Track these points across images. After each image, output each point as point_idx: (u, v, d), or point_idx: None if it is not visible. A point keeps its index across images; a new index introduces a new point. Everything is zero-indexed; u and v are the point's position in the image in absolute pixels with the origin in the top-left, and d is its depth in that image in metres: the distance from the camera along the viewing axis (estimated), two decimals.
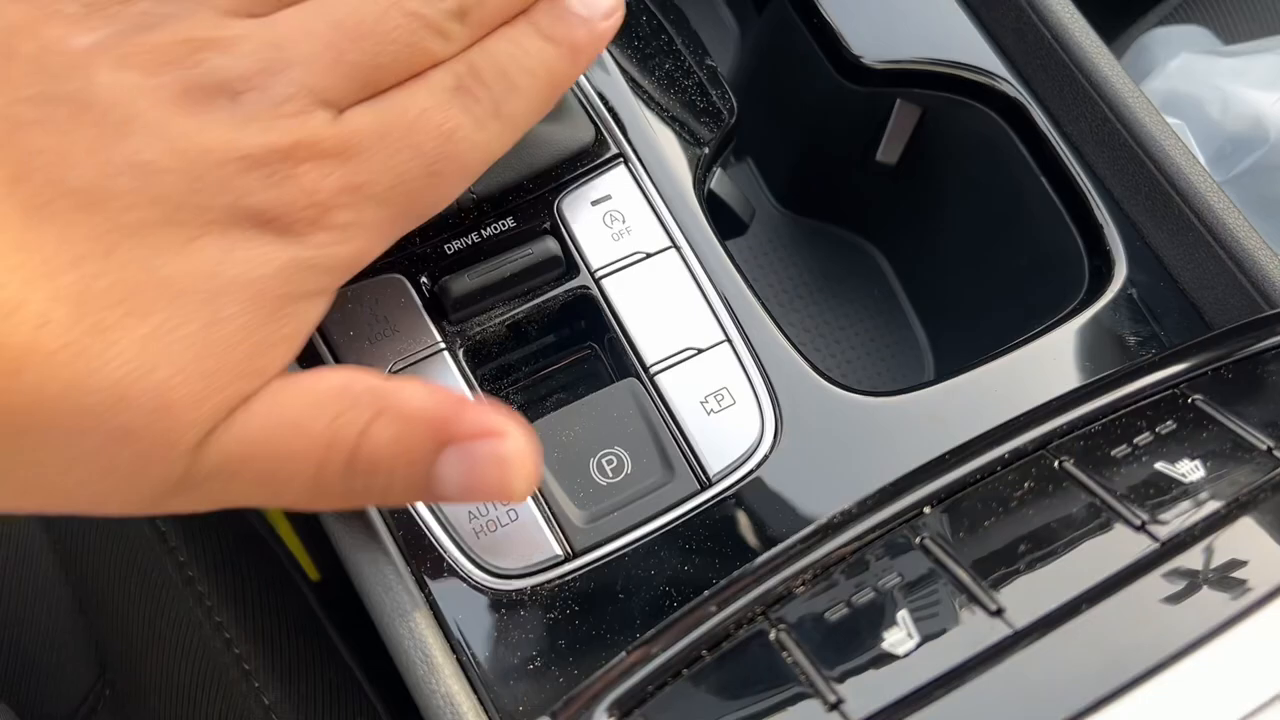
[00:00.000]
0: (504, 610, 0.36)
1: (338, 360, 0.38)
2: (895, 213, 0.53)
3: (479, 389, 0.39)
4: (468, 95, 0.32)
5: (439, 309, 0.39)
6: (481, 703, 0.34)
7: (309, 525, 0.52)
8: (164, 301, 0.28)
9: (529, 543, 0.37)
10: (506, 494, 0.30)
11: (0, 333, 0.25)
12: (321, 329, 0.38)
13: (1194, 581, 0.30)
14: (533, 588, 0.36)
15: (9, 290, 0.26)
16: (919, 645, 0.29)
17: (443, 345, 0.39)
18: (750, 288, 0.41)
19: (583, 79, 0.43)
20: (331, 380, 0.31)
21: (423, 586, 0.36)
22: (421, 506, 0.37)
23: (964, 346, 0.53)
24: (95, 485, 0.28)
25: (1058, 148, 0.45)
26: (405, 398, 0.31)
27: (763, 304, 0.41)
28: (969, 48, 0.47)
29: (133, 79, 0.28)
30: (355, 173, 0.30)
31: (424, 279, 0.39)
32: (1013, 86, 0.46)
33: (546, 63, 0.34)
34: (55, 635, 0.44)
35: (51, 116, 0.27)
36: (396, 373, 0.38)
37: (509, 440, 0.30)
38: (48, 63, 0.28)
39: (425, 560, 0.36)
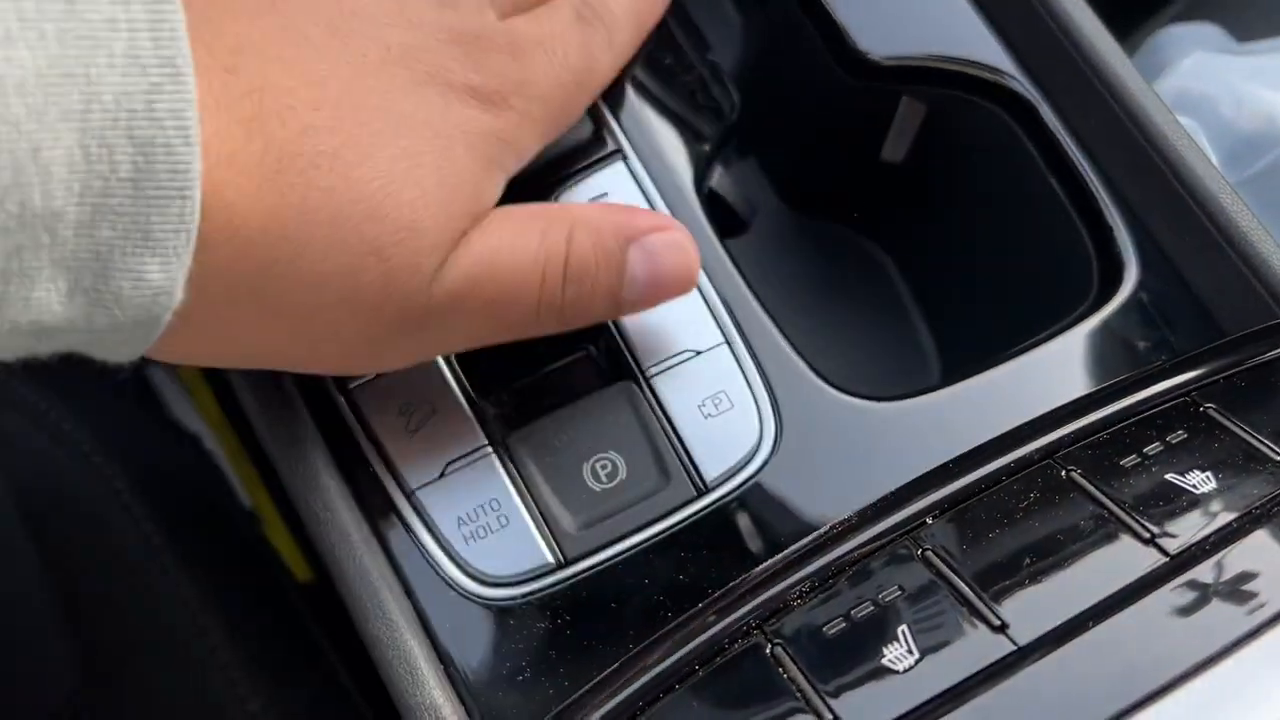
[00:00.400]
0: (493, 619, 0.35)
1: None
2: (901, 211, 0.52)
3: (470, 390, 0.38)
4: (587, 25, 0.36)
5: None
6: (469, 714, 0.33)
7: (297, 529, 0.51)
8: (405, 130, 0.30)
9: (519, 550, 0.36)
10: (686, 276, 0.36)
11: (269, 129, 0.27)
12: None
13: (1205, 596, 0.29)
14: (523, 596, 0.35)
15: (275, 95, 0.27)
16: (919, 661, 0.28)
17: None
18: (750, 288, 0.41)
19: None
20: (529, 208, 0.35)
21: (409, 594, 0.35)
22: (407, 510, 0.36)
23: (970, 348, 0.52)
24: (336, 312, 0.30)
25: (1067, 147, 0.44)
26: (589, 211, 0.36)
27: (763, 305, 0.40)
28: (977, 44, 0.46)
29: None
30: (524, 69, 0.33)
31: None
32: (1022, 84, 0.45)
33: (637, 6, 0.39)
34: (33, 640, 0.43)
35: None
36: (384, 374, 0.37)
37: (677, 230, 0.36)
38: None
39: (412, 567, 0.35)
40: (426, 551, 0.35)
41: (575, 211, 0.35)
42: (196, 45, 0.25)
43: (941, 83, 0.46)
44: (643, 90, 0.43)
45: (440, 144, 0.31)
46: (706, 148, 0.43)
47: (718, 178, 0.44)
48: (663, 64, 0.45)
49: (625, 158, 0.41)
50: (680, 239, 0.36)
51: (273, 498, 0.65)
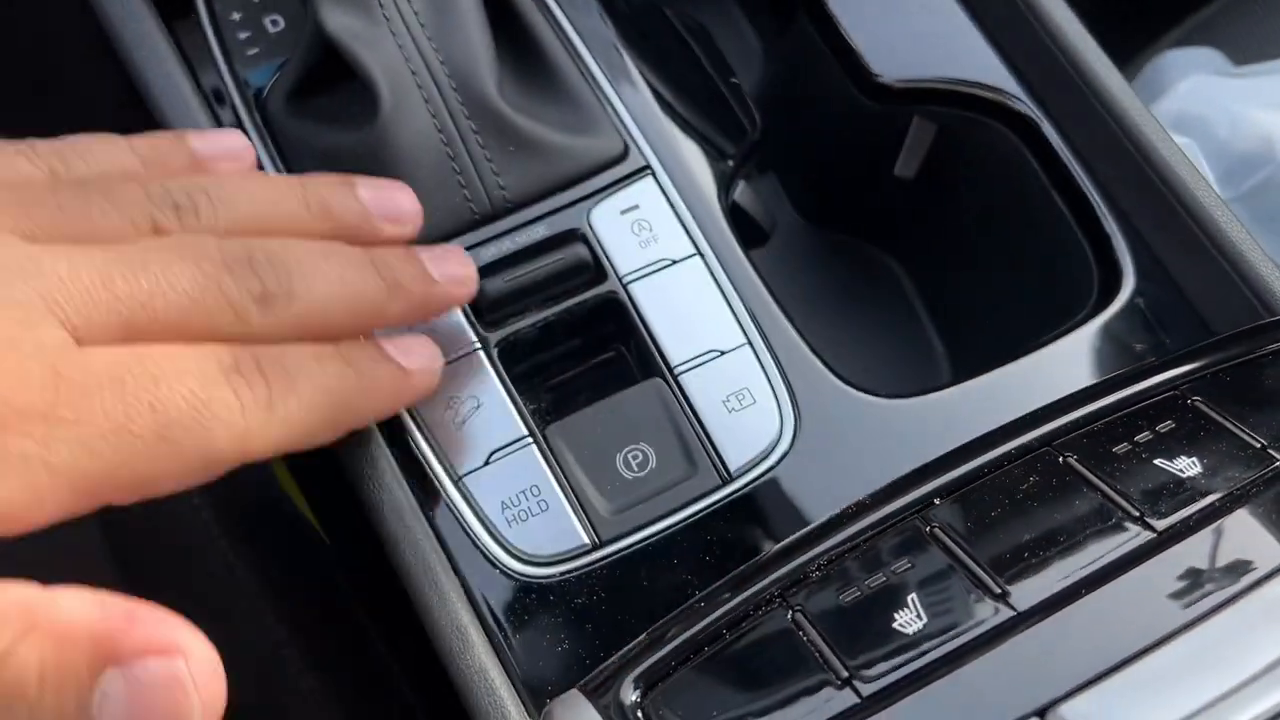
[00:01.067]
0: (534, 595, 0.38)
1: None
2: (913, 224, 0.55)
3: (513, 386, 0.41)
4: (240, 379, 0.31)
5: (475, 311, 0.41)
6: (511, 679, 0.36)
7: (320, 498, 0.53)
8: None
9: (558, 532, 0.39)
10: None
11: None
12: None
13: (1188, 568, 0.31)
14: (561, 574, 0.38)
15: None
16: (927, 625, 0.31)
17: (478, 345, 0.41)
18: (771, 293, 0.43)
19: (613, 94, 0.45)
20: None
21: (457, 571, 0.38)
22: (455, 494, 0.39)
23: (979, 353, 0.54)
24: None
25: (1069, 163, 0.47)
26: (60, 610, 0.25)
27: (783, 309, 0.43)
28: (985, 67, 0.48)
29: None
30: (64, 406, 0.27)
31: None
32: (1026, 104, 0.48)
33: (342, 386, 0.33)
34: None
35: None
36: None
37: (185, 659, 0.25)
38: None
39: (459, 546, 0.38)
40: (473, 532, 0.38)
41: (42, 612, 0.25)
42: None
43: (951, 103, 0.49)
44: (669, 109, 0.46)
45: None
46: (730, 164, 0.46)
47: (740, 192, 0.47)
48: (689, 86, 0.48)
49: (654, 173, 0.44)
50: (181, 673, 0.25)
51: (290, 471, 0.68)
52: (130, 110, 0.44)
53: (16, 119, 0.78)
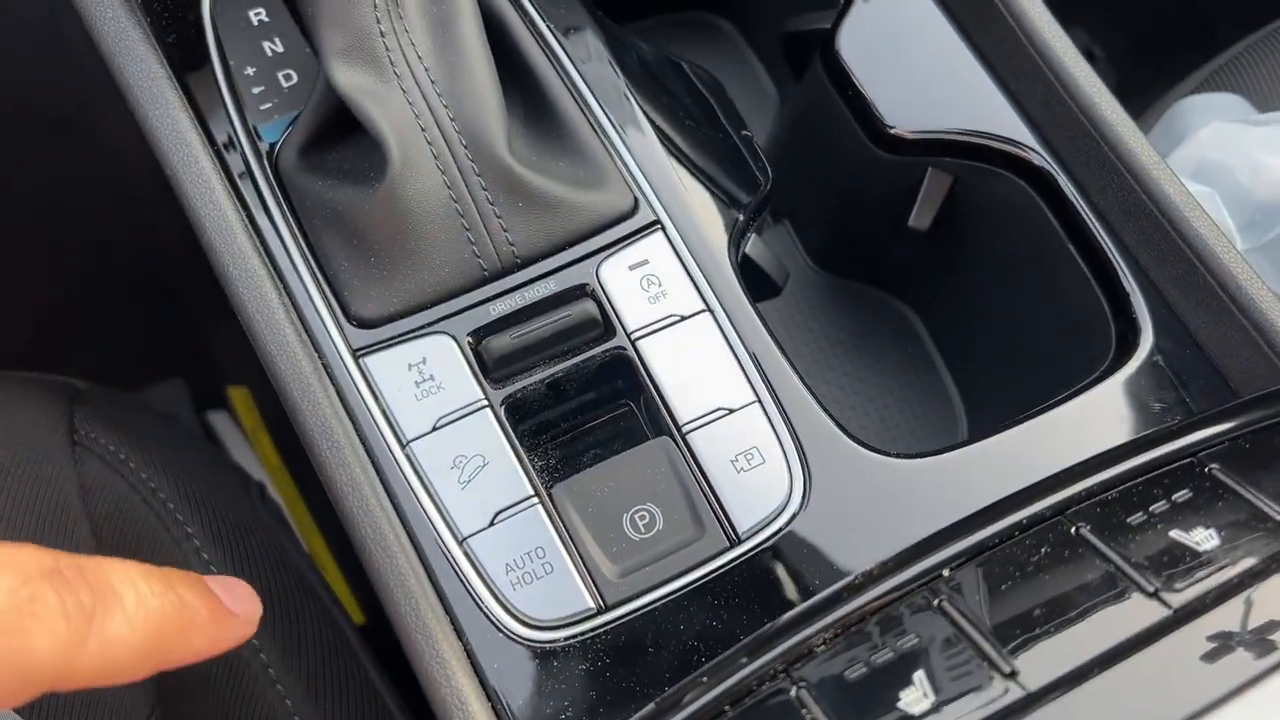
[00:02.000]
0: (538, 660, 0.37)
1: (387, 412, 0.40)
2: (928, 275, 0.55)
3: (519, 444, 0.40)
4: (64, 582, 0.29)
5: (482, 367, 0.41)
6: None
7: (356, 570, 0.54)
8: None
9: (563, 595, 0.38)
10: None
11: None
12: (372, 387, 0.40)
13: (1205, 648, 0.30)
14: (565, 639, 0.38)
15: None
16: (934, 706, 0.30)
17: (485, 402, 0.41)
18: (781, 350, 0.43)
19: (622, 147, 0.45)
20: None
21: (460, 635, 0.37)
22: (459, 556, 0.38)
23: (996, 406, 0.54)
24: None
25: (1085, 216, 0.46)
26: None
27: (793, 366, 0.43)
28: (999, 119, 0.48)
29: None
30: None
31: (469, 339, 0.41)
32: (1042, 157, 0.47)
33: (164, 612, 0.31)
34: None
35: None
36: (441, 427, 0.40)
37: None
38: None
39: (463, 609, 0.38)
40: (476, 595, 0.38)
41: None
42: None
43: (965, 155, 0.49)
44: (680, 163, 0.46)
45: None
46: (741, 217, 0.46)
47: (752, 245, 0.47)
48: (700, 138, 0.47)
49: (663, 228, 0.44)
50: None
51: (328, 544, 0.68)
52: (147, 149, 0.44)
53: (39, 159, 0.79)
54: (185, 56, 0.46)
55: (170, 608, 0.31)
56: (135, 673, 0.30)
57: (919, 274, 0.55)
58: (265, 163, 0.44)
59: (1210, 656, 0.30)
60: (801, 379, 0.42)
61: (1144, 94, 0.68)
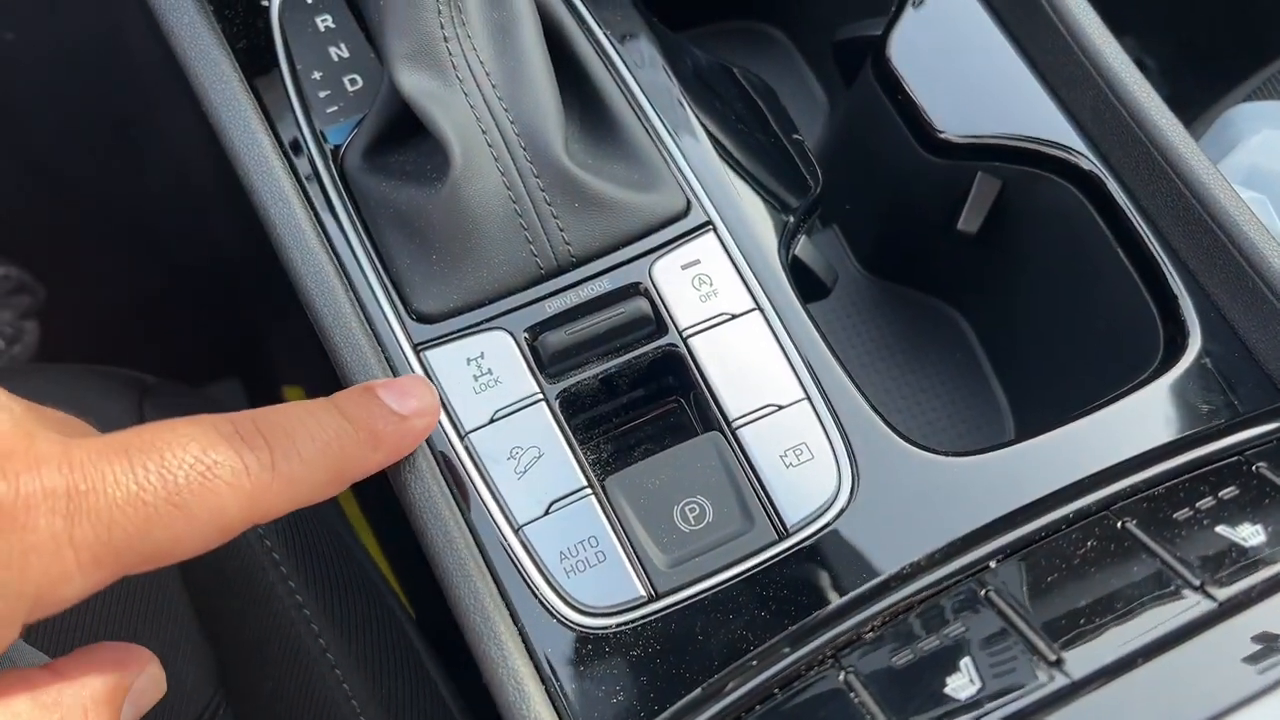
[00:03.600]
0: (590, 646, 0.38)
1: (446, 404, 0.41)
2: (976, 279, 0.55)
3: (573, 437, 0.41)
4: (241, 442, 0.31)
5: (538, 362, 0.42)
6: None
7: (404, 568, 0.55)
8: None
9: (615, 583, 0.39)
10: None
11: None
12: (432, 379, 0.41)
13: (1251, 640, 0.31)
14: (617, 625, 0.39)
15: None
16: (980, 691, 0.31)
17: (540, 396, 0.42)
18: (830, 349, 0.44)
19: (675, 150, 0.46)
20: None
21: (515, 620, 0.38)
22: (515, 544, 0.39)
23: (1044, 409, 0.54)
24: None
25: (1134, 221, 0.46)
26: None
27: (842, 364, 0.43)
28: (1048, 124, 0.49)
29: None
30: (80, 478, 0.28)
31: (525, 334, 0.42)
32: (1091, 161, 0.48)
33: (340, 438, 0.34)
34: (177, 644, 0.47)
35: None
36: (498, 420, 0.41)
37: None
38: None
39: (519, 595, 0.39)
40: (532, 582, 0.39)
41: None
42: None
43: (1015, 160, 0.49)
44: (732, 166, 0.47)
45: None
46: (791, 219, 0.47)
47: (801, 246, 0.48)
48: (752, 142, 0.48)
49: (715, 229, 0.45)
50: None
51: (379, 541, 0.70)
52: (209, 152, 0.46)
53: (102, 162, 0.81)
54: (254, 61, 0.48)
55: (342, 435, 0.34)
56: (323, 497, 0.34)
57: (967, 278, 0.55)
58: (331, 164, 0.46)
59: (1255, 649, 0.31)
60: (850, 377, 0.43)
61: (1195, 104, 0.68)
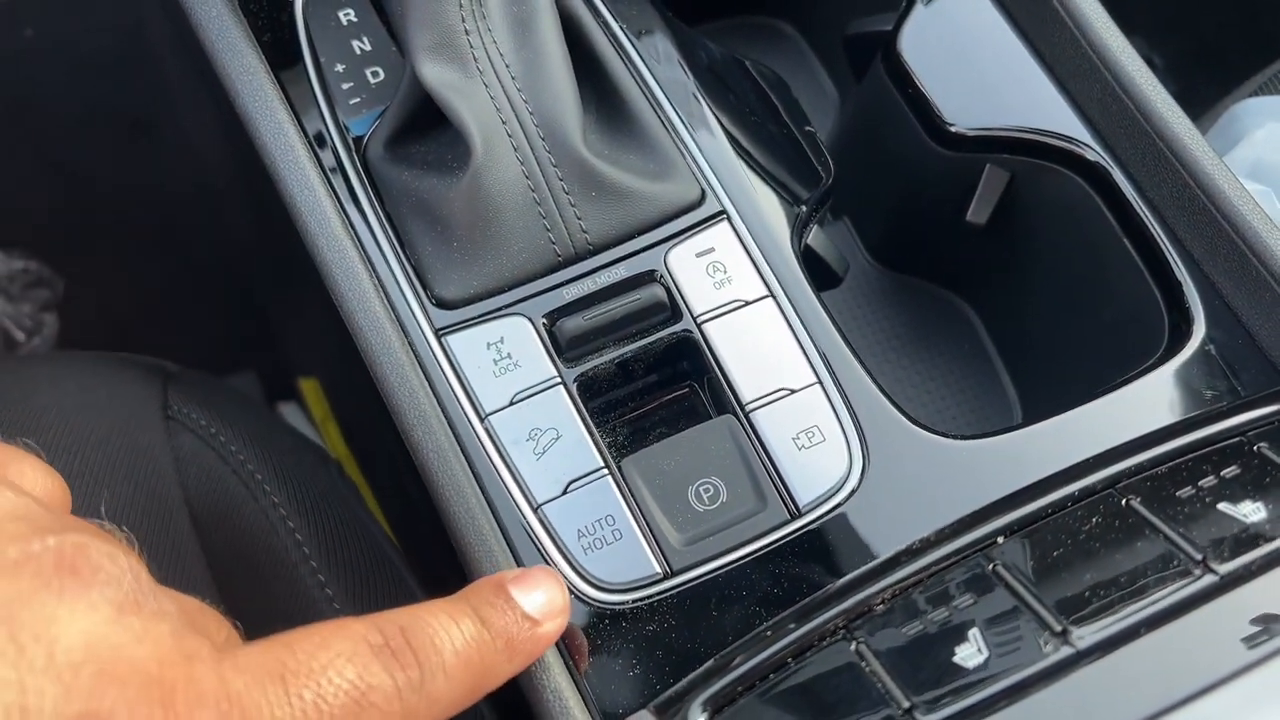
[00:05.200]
0: (607, 621, 0.39)
1: (467, 387, 0.42)
2: (985, 269, 0.56)
3: (590, 420, 0.43)
4: (392, 660, 0.30)
5: (556, 346, 0.43)
6: (585, 700, 0.37)
7: (418, 553, 0.56)
8: None
9: (632, 560, 0.40)
10: None
11: None
12: (453, 363, 0.43)
13: (1251, 613, 0.32)
14: (634, 601, 0.40)
15: None
16: (987, 660, 0.32)
17: (558, 380, 0.43)
18: (842, 334, 0.45)
19: (690, 141, 0.47)
20: None
21: None
22: (534, 522, 0.41)
23: (1051, 397, 0.55)
24: None
25: (1140, 211, 0.47)
26: None
27: (853, 350, 0.44)
28: (1056, 117, 0.49)
29: (4, 560, 0.26)
30: (238, 715, 0.27)
31: (544, 320, 0.43)
32: (1097, 153, 0.48)
33: (480, 650, 0.33)
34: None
35: None
36: (517, 402, 0.42)
37: None
38: None
39: None
40: (550, 558, 0.40)
41: None
42: None
43: (1023, 152, 0.50)
44: (745, 157, 0.48)
45: None
46: (803, 209, 0.48)
47: (814, 236, 0.49)
48: (765, 133, 0.49)
49: (729, 218, 0.46)
50: None
51: (391, 528, 0.70)
52: (226, 147, 0.47)
53: (120, 156, 0.82)
54: (279, 54, 0.49)
55: (482, 647, 0.33)
56: (455, 713, 0.33)
57: (975, 269, 0.56)
58: (354, 154, 0.47)
59: (1255, 620, 0.32)
60: (861, 362, 0.44)
61: (1202, 100, 0.69)
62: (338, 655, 0.29)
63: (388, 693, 0.29)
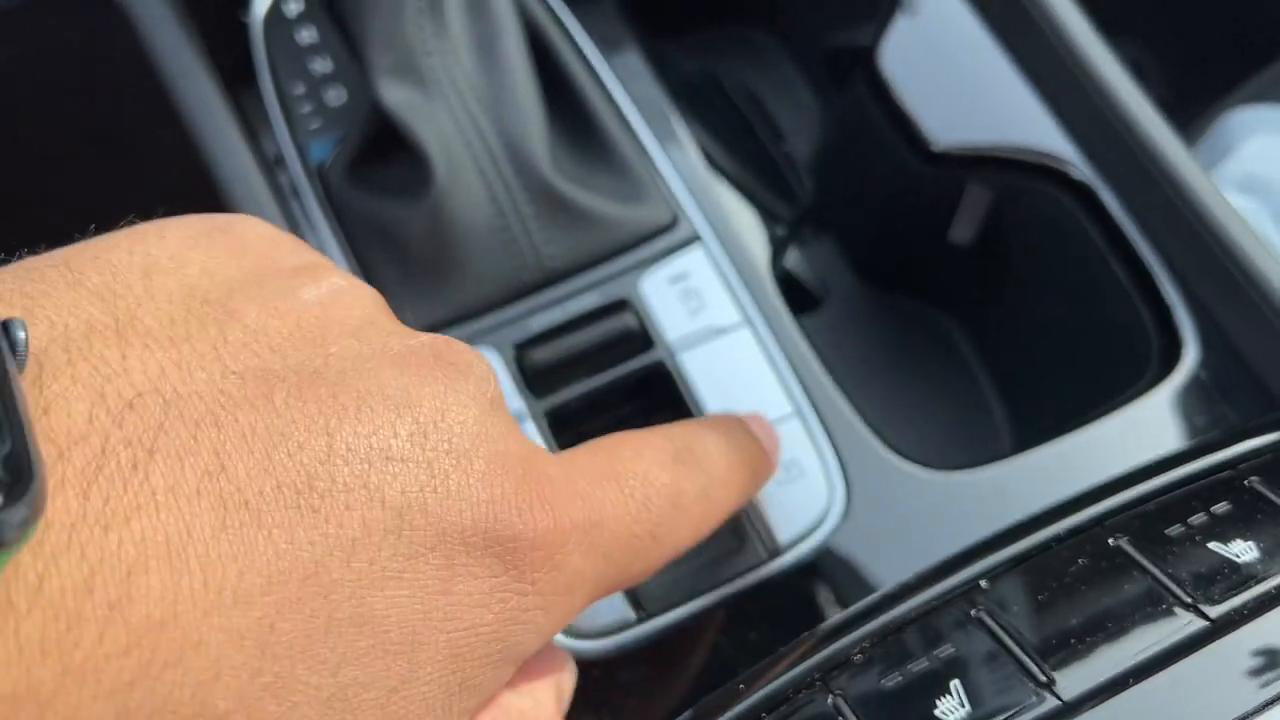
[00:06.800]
0: (579, 669, 0.38)
1: None
2: (972, 288, 0.55)
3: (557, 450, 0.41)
4: (683, 467, 0.31)
5: (524, 378, 0.42)
6: None
7: None
8: (359, 650, 0.22)
9: (604, 603, 0.39)
10: None
11: (168, 682, 0.19)
12: None
13: (1243, 659, 0.30)
14: (607, 648, 0.38)
15: (185, 624, 0.20)
16: (969, 714, 0.30)
17: (528, 413, 0.41)
18: (821, 363, 0.43)
19: (662, 162, 0.46)
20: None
21: None
22: None
23: (1040, 418, 0.53)
24: None
25: (1128, 231, 0.46)
26: None
27: (833, 378, 0.43)
28: (1041, 133, 0.48)
29: (387, 353, 0.25)
30: (590, 512, 0.27)
31: (511, 350, 0.42)
32: (1084, 172, 0.47)
33: (742, 468, 0.34)
34: None
35: (265, 392, 0.23)
36: None
37: None
38: (270, 327, 0.25)
39: None
40: None
41: None
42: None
43: (1007, 169, 0.49)
44: (720, 177, 0.46)
45: (405, 661, 0.23)
46: (781, 231, 0.46)
47: (793, 258, 0.47)
48: (741, 154, 0.48)
49: (703, 242, 0.44)
50: None
51: None
52: (185, 165, 0.45)
53: (85, 174, 0.81)
54: (237, 76, 0.47)
55: (745, 461, 0.34)
56: (724, 519, 0.34)
57: (962, 287, 0.55)
58: (314, 178, 0.46)
59: (1248, 667, 0.30)
60: (842, 391, 0.43)
61: (1196, 105, 0.68)
62: (653, 463, 0.30)
63: (694, 495, 0.31)
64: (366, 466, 0.23)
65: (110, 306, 0.23)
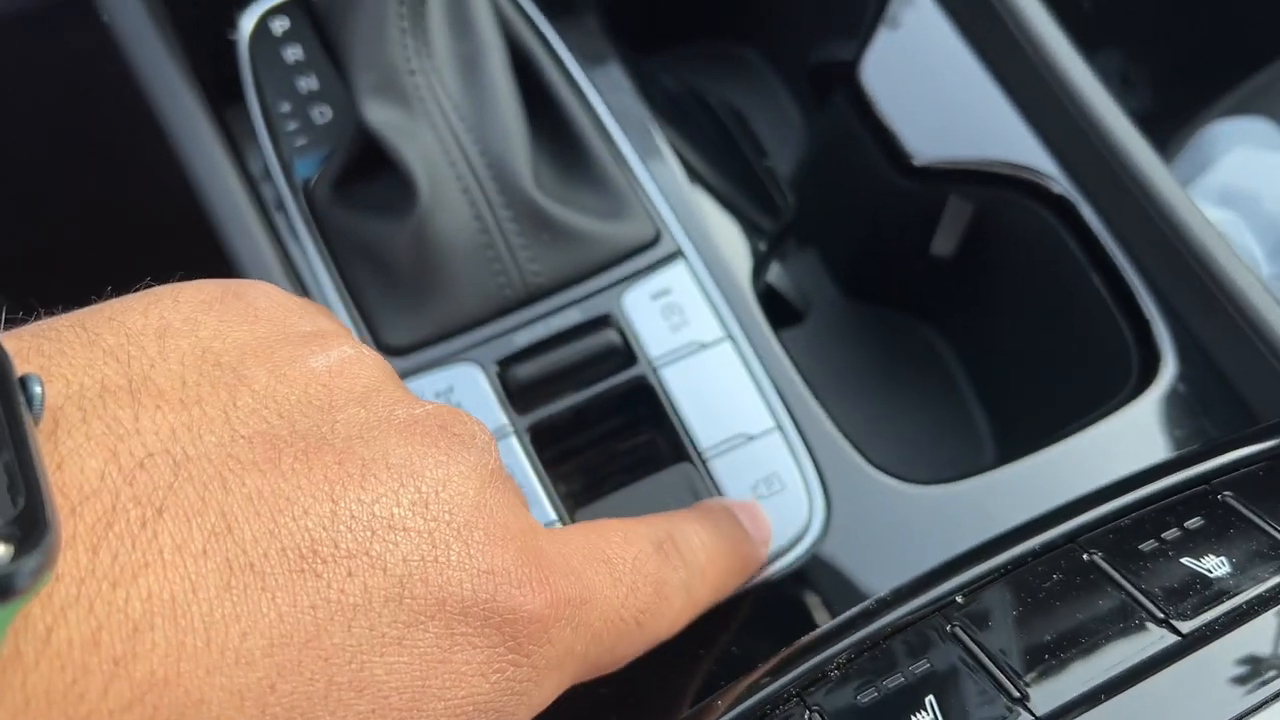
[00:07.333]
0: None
1: None
2: (953, 301, 0.55)
3: (544, 470, 0.41)
4: (668, 559, 0.32)
5: (508, 394, 0.42)
6: None
7: None
8: (358, 713, 0.22)
9: None
10: None
11: None
12: None
13: (1215, 674, 0.31)
14: None
15: (188, 682, 0.20)
16: None
17: (510, 429, 0.42)
18: (802, 377, 0.43)
19: (645, 179, 0.46)
20: None
21: None
22: None
23: (1022, 430, 0.54)
24: None
25: (1107, 245, 0.46)
26: None
27: (814, 392, 0.43)
28: (1021, 148, 0.48)
29: (392, 422, 0.26)
30: (583, 590, 0.28)
31: (494, 366, 0.42)
32: (1063, 186, 0.47)
33: (722, 556, 0.35)
34: None
35: (272, 457, 0.23)
36: None
37: None
38: (278, 393, 0.25)
39: None
40: None
41: None
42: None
43: (988, 184, 0.49)
44: (703, 193, 0.47)
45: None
46: (763, 246, 0.47)
47: (775, 273, 0.48)
48: (723, 170, 0.48)
49: (685, 258, 0.45)
50: None
51: None
52: (171, 183, 0.46)
53: (62, 186, 0.81)
54: (223, 93, 0.48)
55: (727, 556, 0.35)
56: (701, 612, 0.34)
57: (945, 300, 0.55)
58: (300, 196, 0.46)
59: (1220, 681, 0.30)
60: (823, 406, 0.43)
61: (1180, 116, 0.68)
62: (640, 551, 0.31)
63: (676, 587, 0.32)
64: (369, 534, 0.23)
65: (124, 367, 0.24)
